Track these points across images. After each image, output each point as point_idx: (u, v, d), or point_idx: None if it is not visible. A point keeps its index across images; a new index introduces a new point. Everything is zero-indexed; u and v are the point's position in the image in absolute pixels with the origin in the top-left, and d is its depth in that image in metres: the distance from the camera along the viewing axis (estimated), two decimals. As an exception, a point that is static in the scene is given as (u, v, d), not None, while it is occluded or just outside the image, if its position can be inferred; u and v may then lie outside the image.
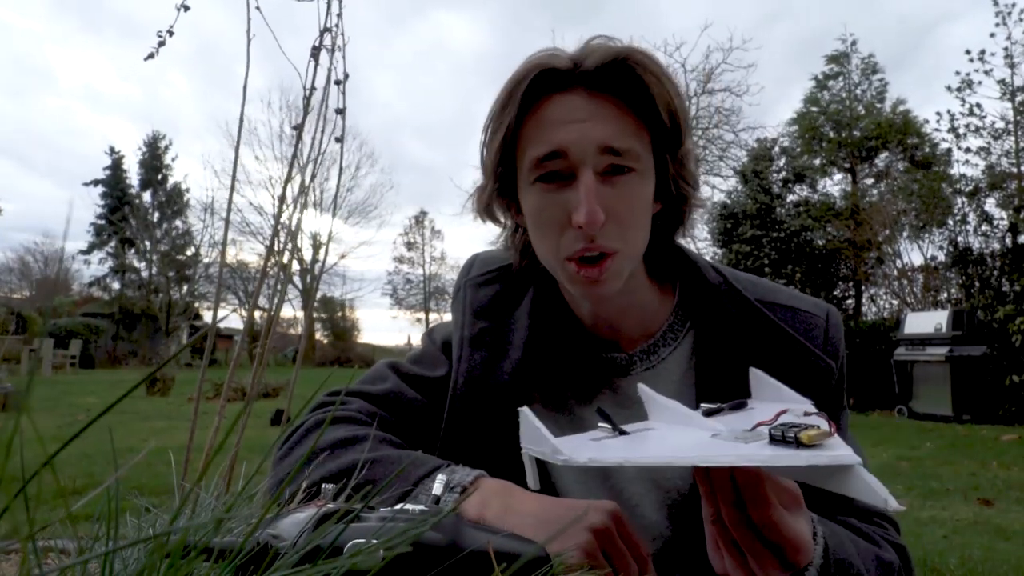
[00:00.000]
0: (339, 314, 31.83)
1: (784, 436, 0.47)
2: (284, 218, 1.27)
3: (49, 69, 52.78)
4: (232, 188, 1.38)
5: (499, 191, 0.80)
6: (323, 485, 0.53)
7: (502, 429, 0.81)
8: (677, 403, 0.55)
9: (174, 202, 29.07)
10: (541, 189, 0.73)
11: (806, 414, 0.52)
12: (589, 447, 0.51)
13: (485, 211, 0.83)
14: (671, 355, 0.82)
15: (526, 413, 0.52)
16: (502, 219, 0.85)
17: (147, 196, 29.50)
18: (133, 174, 29.93)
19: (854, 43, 15.09)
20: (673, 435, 0.53)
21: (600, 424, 0.54)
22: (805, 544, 0.54)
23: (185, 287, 28.21)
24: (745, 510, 0.51)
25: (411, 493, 0.66)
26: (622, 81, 0.71)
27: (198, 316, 27.70)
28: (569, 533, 0.58)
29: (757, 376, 0.65)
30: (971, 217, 10.22)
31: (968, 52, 10.49)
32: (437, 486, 0.63)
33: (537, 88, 0.73)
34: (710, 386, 0.78)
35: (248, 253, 24.57)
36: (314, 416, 0.84)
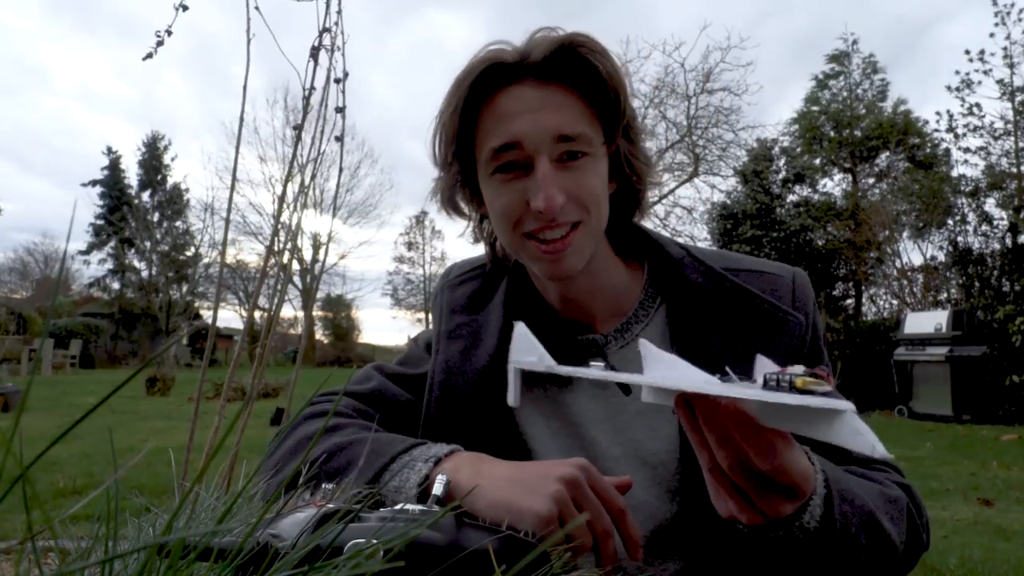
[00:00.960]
0: (343, 314, 31.84)
1: (779, 381, 0.47)
2: (284, 218, 1.27)
3: (45, 69, 52.91)
4: (232, 188, 1.38)
5: (462, 183, 0.83)
6: (323, 485, 0.53)
7: (480, 416, 0.83)
8: (676, 357, 0.56)
9: (174, 202, 29.08)
10: (500, 179, 0.76)
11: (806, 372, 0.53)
12: (579, 370, 0.52)
13: (449, 204, 0.86)
14: (644, 331, 0.84)
15: (520, 326, 0.53)
16: (467, 212, 0.88)
17: (146, 196, 29.52)
18: (132, 174, 29.97)
19: (855, 42, 15.10)
20: (666, 377, 0.54)
21: (592, 363, 0.55)
22: (811, 475, 0.56)
23: (185, 287, 28.23)
24: (745, 458, 0.51)
25: (388, 467, 0.67)
26: (568, 67, 0.74)
27: (198, 316, 27.71)
28: (539, 486, 0.58)
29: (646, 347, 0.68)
30: (971, 217, 10.21)
31: (968, 52, 10.50)
32: (438, 486, 0.63)
33: (488, 82, 0.75)
34: (687, 355, 0.79)
35: (248, 253, 24.60)
36: (301, 415, 0.86)
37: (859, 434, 0.44)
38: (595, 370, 0.52)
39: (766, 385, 0.48)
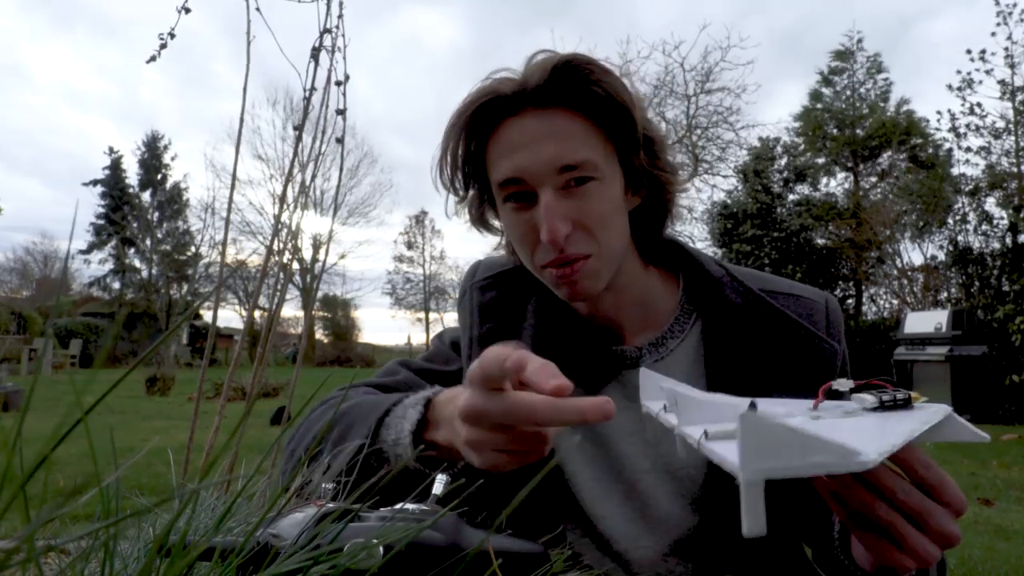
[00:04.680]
0: (341, 313, 31.81)
1: (896, 401, 0.45)
2: (284, 218, 1.27)
3: (25, 67, 52.90)
4: (233, 187, 1.38)
5: (488, 203, 0.83)
6: (323, 485, 0.53)
7: None
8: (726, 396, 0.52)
9: (174, 202, 29.10)
10: (511, 209, 0.77)
11: (857, 386, 0.49)
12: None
13: (480, 223, 0.87)
14: (679, 347, 0.83)
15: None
16: (497, 225, 0.88)
17: (146, 196, 29.53)
18: (131, 173, 29.95)
19: (860, 40, 15.09)
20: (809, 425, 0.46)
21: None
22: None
23: (185, 287, 28.23)
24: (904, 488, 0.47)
25: (384, 422, 0.66)
26: (567, 90, 0.73)
27: (198, 316, 27.72)
28: (458, 433, 0.56)
29: (647, 375, 0.65)
30: (971, 217, 10.21)
31: (968, 51, 10.49)
32: (438, 486, 0.63)
33: (492, 113, 0.75)
34: (719, 376, 0.79)
35: (248, 253, 24.60)
36: (320, 401, 0.86)
37: (968, 428, 0.45)
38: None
39: (883, 407, 0.45)
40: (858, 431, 0.43)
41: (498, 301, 0.90)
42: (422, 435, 0.64)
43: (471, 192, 0.83)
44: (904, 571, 0.50)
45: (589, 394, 0.83)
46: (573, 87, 0.72)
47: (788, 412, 0.49)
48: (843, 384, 0.49)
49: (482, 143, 0.77)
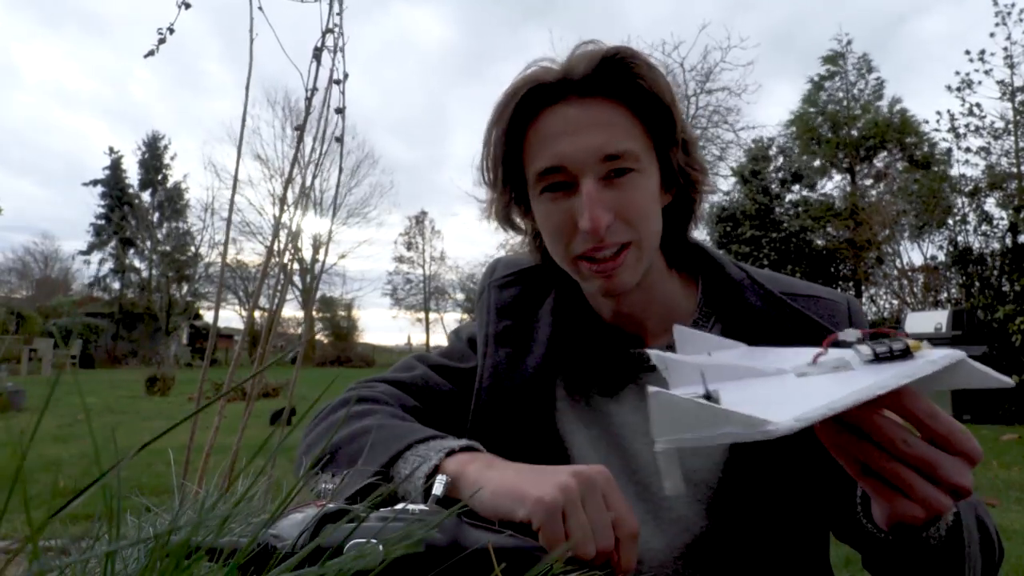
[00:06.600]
0: (342, 314, 31.79)
1: (892, 352, 0.44)
2: (284, 218, 1.27)
3: (15, 66, 52.82)
4: (234, 189, 1.38)
5: (515, 200, 0.83)
6: (323, 485, 0.53)
7: (527, 423, 0.82)
8: (711, 335, 0.52)
9: (174, 202, 29.12)
10: (548, 199, 0.76)
11: (859, 341, 0.49)
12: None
13: (505, 221, 0.86)
14: None
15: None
16: (522, 225, 0.88)
17: (146, 196, 29.54)
18: (131, 173, 29.94)
19: (849, 42, 15.10)
20: (772, 387, 0.47)
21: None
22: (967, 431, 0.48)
23: (185, 287, 28.23)
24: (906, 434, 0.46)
25: (403, 455, 0.65)
26: (612, 81, 0.73)
27: (198, 316, 27.73)
28: (549, 476, 0.55)
29: (683, 332, 0.63)
30: (971, 217, 10.21)
31: (968, 52, 10.49)
32: (438, 486, 0.63)
33: (533, 102, 0.75)
34: None
35: (248, 253, 24.60)
36: (339, 398, 0.85)
37: (984, 372, 0.43)
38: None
39: (878, 359, 0.45)
40: (804, 394, 0.43)
41: (516, 299, 0.90)
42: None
43: (505, 188, 0.82)
44: (915, 522, 0.48)
45: (606, 396, 0.84)
46: (618, 79, 0.73)
47: (780, 368, 0.49)
48: (850, 334, 0.49)
49: (520, 135, 0.77)
